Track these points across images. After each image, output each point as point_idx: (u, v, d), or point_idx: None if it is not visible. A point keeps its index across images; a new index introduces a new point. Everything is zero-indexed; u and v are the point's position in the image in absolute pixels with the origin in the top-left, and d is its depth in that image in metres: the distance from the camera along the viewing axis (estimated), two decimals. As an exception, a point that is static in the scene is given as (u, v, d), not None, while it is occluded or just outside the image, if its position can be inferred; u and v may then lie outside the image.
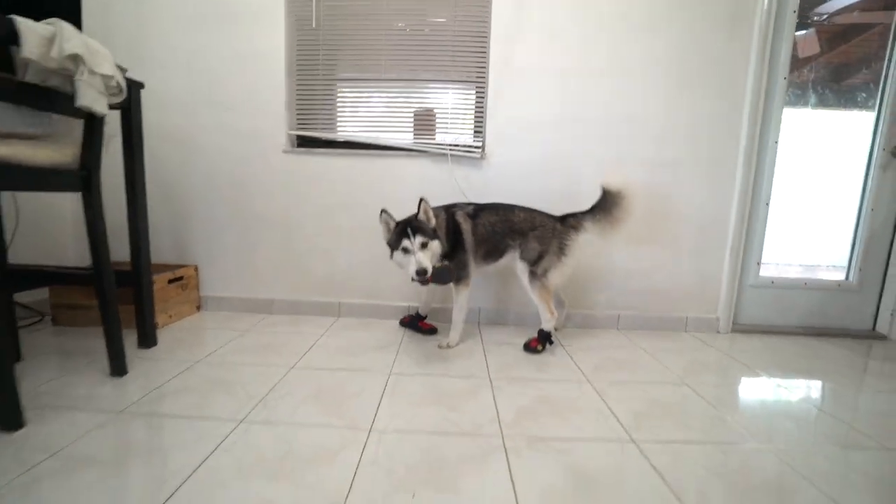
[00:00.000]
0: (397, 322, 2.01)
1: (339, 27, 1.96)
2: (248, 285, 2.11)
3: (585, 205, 1.78)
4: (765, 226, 2.07)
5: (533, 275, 1.68)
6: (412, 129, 2.03)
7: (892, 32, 1.95)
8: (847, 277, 2.12)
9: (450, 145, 1.98)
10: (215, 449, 1.00)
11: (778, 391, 1.45)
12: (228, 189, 2.05)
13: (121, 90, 1.22)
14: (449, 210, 1.71)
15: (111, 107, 1.23)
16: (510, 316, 2.07)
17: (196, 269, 2.07)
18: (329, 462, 0.97)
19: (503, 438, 1.09)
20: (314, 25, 1.94)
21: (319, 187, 2.03)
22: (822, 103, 2.08)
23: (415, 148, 1.99)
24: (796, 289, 2.12)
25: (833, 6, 2.20)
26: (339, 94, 2.04)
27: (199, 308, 2.10)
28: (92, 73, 1.09)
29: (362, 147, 2.01)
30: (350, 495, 0.86)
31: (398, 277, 1.99)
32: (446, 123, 2.02)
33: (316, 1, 1.92)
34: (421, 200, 1.56)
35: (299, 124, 2.03)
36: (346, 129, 2.05)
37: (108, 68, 1.14)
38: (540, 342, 1.70)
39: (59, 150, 1.17)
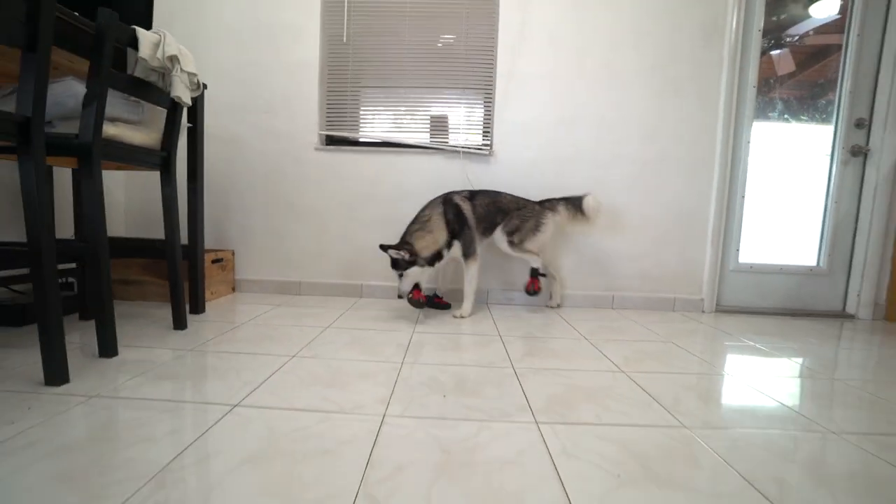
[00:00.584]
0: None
1: (366, 42, 2.26)
2: (278, 269, 2.34)
3: (576, 191, 2.05)
4: (741, 216, 2.32)
5: (511, 243, 1.99)
6: (429, 131, 2.30)
7: (843, 49, 2.25)
8: (818, 263, 2.36)
9: (462, 146, 2.25)
10: (276, 371, 1.22)
11: (752, 347, 1.67)
12: (264, 182, 2.30)
13: (199, 86, 1.49)
14: (447, 197, 1.97)
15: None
16: (515, 297, 2.29)
17: (233, 253, 2.31)
18: (372, 378, 1.19)
19: (514, 368, 1.31)
20: (345, 41, 2.24)
21: (346, 181, 2.29)
22: (789, 114, 2.36)
23: (431, 146, 2.26)
24: (773, 273, 2.35)
25: (801, 29, 2.51)
26: (364, 99, 2.32)
27: (233, 289, 2.33)
28: (182, 71, 1.36)
29: (385, 146, 2.28)
30: (392, 397, 1.08)
31: (415, 260, 2.23)
32: (458, 125, 2.30)
33: (347, 20, 2.22)
34: (386, 249, 1.77)
35: (328, 125, 2.31)
36: (371, 130, 2.32)
37: (192, 67, 1.41)
38: (535, 278, 2.01)
39: (149, 134, 1.43)
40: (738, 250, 2.33)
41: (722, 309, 2.34)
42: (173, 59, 1.33)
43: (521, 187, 2.18)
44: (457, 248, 1.92)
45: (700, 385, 1.24)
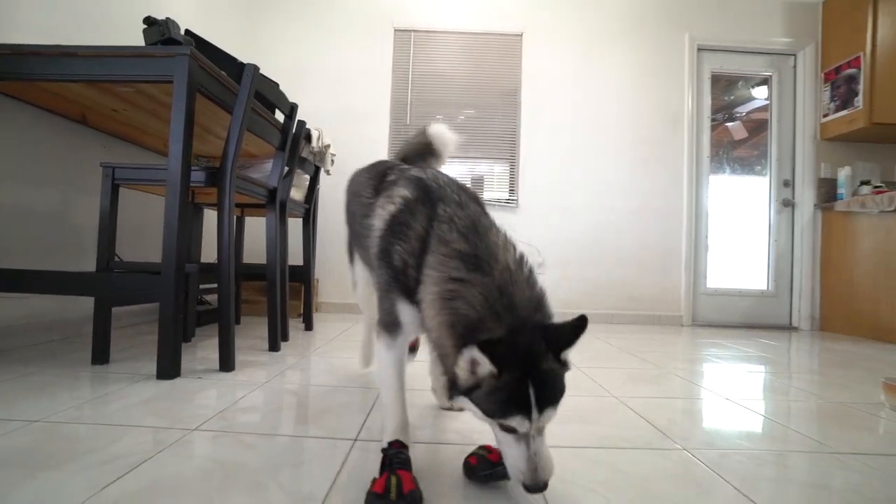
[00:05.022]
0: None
1: (423, 124, 3.04)
2: (350, 293, 2.97)
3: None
4: (707, 251, 3.05)
5: None
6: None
7: (769, 128, 3.10)
8: (767, 287, 3.07)
9: (496, 200, 2.99)
10: (398, 350, 1.84)
11: (717, 343, 2.33)
12: (342, 226, 2.98)
13: (333, 161, 2.21)
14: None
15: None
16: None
17: (317, 280, 2.95)
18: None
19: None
20: (407, 122, 3.02)
21: (406, 225, 2.98)
22: (741, 171, 3.17)
23: (471, 199, 2.99)
24: (734, 296, 3.05)
25: (749, 107, 3.38)
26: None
27: (317, 309, 2.94)
28: (331, 154, 2.08)
29: (435, 199, 3.01)
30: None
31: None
32: (492, 184, 3.05)
33: (409, 109, 3.02)
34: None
35: (392, 184, 3.04)
36: (424, 188, 3.05)
37: (332, 150, 2.14)
38: None
39: (301, 193, 2.12)
40: (705, 277, 3.04)
41: (697, 324, 3.00)
42: (327, 146, 2.06)
43: (540, 230, 2.90)
44: None
45: (679, 355, 1.89)
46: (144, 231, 2.11)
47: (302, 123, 1.89)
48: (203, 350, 1.65)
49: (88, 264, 1.78)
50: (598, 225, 3.00)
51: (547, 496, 0.66)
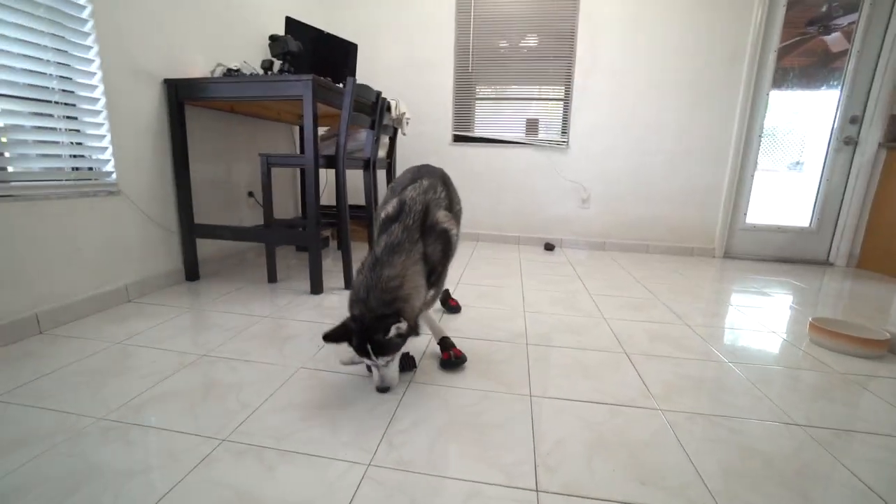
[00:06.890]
0: (513, 245, 3.44)
1: (483, 69, 3.33)
2: (422, 223, 3.63)
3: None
4: (751, 190, 3.21)
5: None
6: (524, 130, 3.38)
7: (848, 54, 2.97)
8: (809, 224, 3.22)
9: (548, 140, 3.33)
10: (515, 268, 2.49)
11: (743, 271, 2.70)
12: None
13: (408, 123, 2.71)
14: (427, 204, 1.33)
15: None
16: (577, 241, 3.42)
17: (395, 212, 3.63)
18: (551, 284, 2.43)
19: (583, 285, 2.49)
20: (469, 70, 3.33)
21: (469, 164, 3.47)
22: (800, 87, 3.13)
23: (525, 141, 3.36)
24: (772, 231, 3.26)
25: (847, 19, 3.18)
26: (480, 109, 3.43)
27: (395, 235, 3.67)
28: (406, 118, 2.58)
29: (493, 141, 3.41)
30: (579, 272, 2.31)
31: (510, 219, 3.42)
32: (547, 126, 3.35)
33: (471, 57, 3.30)
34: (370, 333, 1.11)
35: (456, 127, 3.46)
36: (483, 130, 3.44)
37: (408, 115, 2.63)
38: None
39: (384, 151, 2.69)
40: (745, 214, 3.25)
41: (729, 256, 3.31)
42: (402, 113, 2.55)
43: (588, 169, 3.24)
44: None
45: (708, 276, 2.36)
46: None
47: (384, 101, 2.38)
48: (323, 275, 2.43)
49: (242, 216, 2.58)
50: (644, 165, 3.26)
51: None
